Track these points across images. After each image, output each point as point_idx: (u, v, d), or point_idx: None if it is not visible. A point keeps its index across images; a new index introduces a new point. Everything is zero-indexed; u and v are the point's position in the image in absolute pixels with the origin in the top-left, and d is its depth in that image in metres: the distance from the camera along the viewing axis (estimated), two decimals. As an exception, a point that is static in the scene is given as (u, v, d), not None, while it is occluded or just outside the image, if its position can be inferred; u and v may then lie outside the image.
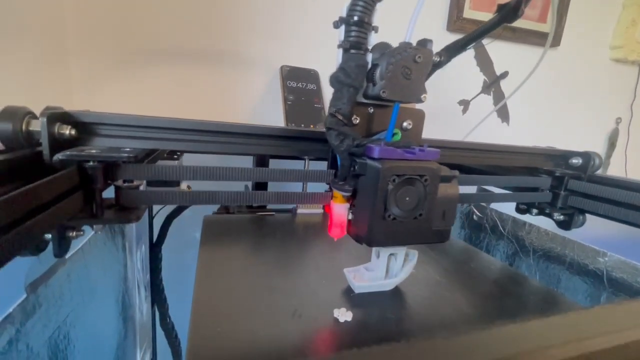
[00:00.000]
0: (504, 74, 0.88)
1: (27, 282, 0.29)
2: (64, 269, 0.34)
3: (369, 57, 0.26)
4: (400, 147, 0.26)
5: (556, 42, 0.89)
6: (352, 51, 0.25)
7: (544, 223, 0.49)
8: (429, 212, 0.27)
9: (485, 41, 0.84)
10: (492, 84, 0.88)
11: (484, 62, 0.87)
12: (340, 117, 0.25)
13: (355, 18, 0.24)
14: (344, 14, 0.25)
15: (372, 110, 0.29)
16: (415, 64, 0.26)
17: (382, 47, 0.27)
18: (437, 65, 0.29)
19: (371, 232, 0.26)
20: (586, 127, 1.00)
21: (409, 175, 0.25)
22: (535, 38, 0.86)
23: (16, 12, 0.48)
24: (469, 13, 0.81)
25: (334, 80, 0.26)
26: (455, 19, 0.80)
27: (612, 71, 0.98)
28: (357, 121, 0.28)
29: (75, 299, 0.37)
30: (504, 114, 0.91)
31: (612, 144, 1.02)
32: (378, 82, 0.26)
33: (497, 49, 0.85)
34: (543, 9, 0.86)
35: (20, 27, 0.49)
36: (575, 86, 0.96)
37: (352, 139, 0.26)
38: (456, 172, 0.28)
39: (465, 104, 0.88)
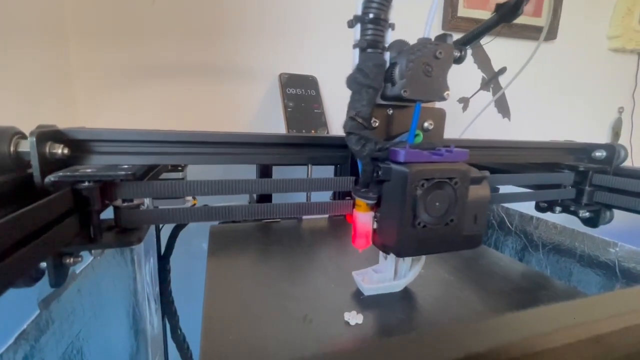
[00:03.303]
0: (502, 70, 0.88)
1: (39, 298, 0.29)
2: (74, 285, 0.35)
3: (387, 56, 0.25)
4: (426, 149, 0.24)
5: (552, 35, 0.89)
6: (369, 50, 0.24)
7: (552, 216, 0.48)
8: (460, 216, 0.25)
9: (484, 40, 0.84)
10: (491, 80, 0.88)
11: (482, 59, 0.87)
12: (361, 121, 0.24)
13: (371, 15, 0.23)
14: (358, 11, 0.24)
15: (391, 111, 0.27)
16: (436, 60, 0.24)
17: (399, 45, 0.25)
18: (457, 61, 0.27)
19: (400, 242, 0.24)
20: (589, 118, 1.00)
21: (438, 178, 0.23)
22: (531, 32, 0.86)
23: (18, 31, 0.49)
24: (463, 12, 0.81)
25: (352, 81, 0.24)
26: (450, 18, 0.81)
27: (612, 61, 0.97)
28: (377, 124, 0.27)
29: (87, 313, 0.37)
30: (504, 109, 0.91)
31: (616, 134, 1.01)
32: (398, 81, 0.24)
33: (494, 45, 0.86)
34: (537, 3, 0.86)
35: (22, 45, 0.50)
36: (575, 78, 0.96)
37: (374, 143, 0.24)
38: (486, 173, 0.26)
39: (465, 101, 0.88)
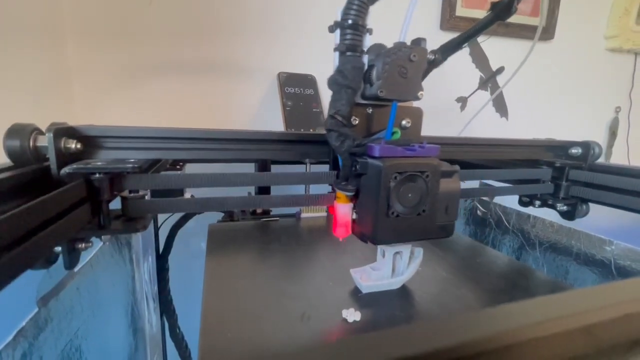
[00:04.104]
0: (500, 70, 0.88)
1: (38, 296, 0.29)
2: (73, 283, 0.35)
3: (365, 59, 0.27)
4: (400, 145, 0.26)
5: (550, 35, 0.89)
6: (348, 54, 0.26)
7: (548, 215, 0.49)
8: (432, 207, 0.27)
9: (480, 39, 0.84)
10: (489, 79, 0.88)
11: (480, 58, 0.87)
12: (340, 119, 0.26)
13: (350, 21, 0.25)
14: (338, 18, 0.26)
15: (370, 110, 0.29)
16: (411, 62, 0.26)
17: (378, 48, 0.27)
18: (433, 64, 0.29)
19: (376, 230, 0.26)
20: (586, 117, 1.00)
21: (410, 172, 0.25)
22: (529, 32, 0.87)
23: (18, 31, 0.49)
24: (461, 11, 0.81)
25: (332, 82, 0.26)
26: (448, 18, 0.81)
27: (609, 61, 0.98)
28: (357, 122, 0.29)
29: (85, 312, 0.37)
30: (502, 108, 0.91)
31: (613, 133, 1.02)
32: (375, 82, 0.26)
33: (492, 45, 0.86)
34: (535, 2, 0.87)
35: (22, 46, 0.50)
36: (572, 78, 0.96)
37: (352, 140, 0.26)
38: (457, 167, 0.28)
39: (463, 100, 0.88)
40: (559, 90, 0.96)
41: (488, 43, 0.85)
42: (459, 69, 0.86)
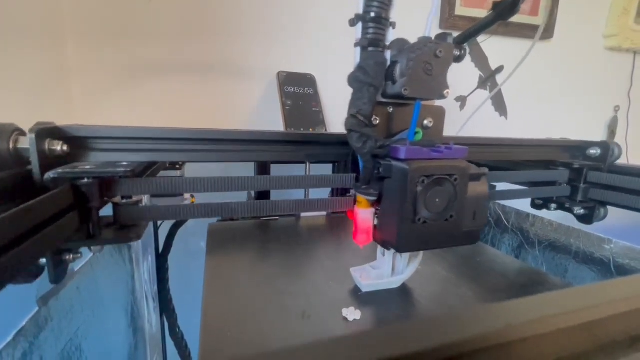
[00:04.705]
0: (499, 69, 0.88)
1: (38, 295, 0.29)
2: (73, 282, 0.35)
3: (388, 55, 0.25)
4: (426, 147, 0.25)
5: (549, 34, 0.89)
6: (371, 49, 0.24)
7: (547, 214, 0.49)
8: (460, 212, 0.25)
9: (480, 39, 0.84)
10: (488, 79, 0.88)
11: (479, 57, 0.87)
12: (362, 118, 0.24)
13: (373, 14, 0.23)
14: (360, 10, 0.24)
15: (391, 109, 0.27)
16: (437, 58, 0.24)
17: (400, 44, 0.25)
18: (457, 60, 0.28)
19: (400, 238, 0.24)
20: (586, 116, 1.00)
21: (438, 175, 0.24)
22: (528, 31, 0.87)
23: (18, 33, 0.49)
24: (460, 10, 0.81)
25: (353, 80, 0.24)
26: (447, 17, 0.81)
27: (608, 60, 0.98)
28: (377, 122, 0.27)
29: (85, 311, 0.37)
30: (501, 107, 0.91)
31: (612, 132, 1.02)
32: (398, 79, 0.25)
33: (491, 44, 0.86)
34: (534, 2, 0.87)
35: (22, 46, 0.50)
36: (571, 77, 0.96)
37: (375, 141, 0.24)
38: (485, 170, 0.26)
39: (462, 100, 0.88)
40: (559, 90, 0.96)
41: (487, 42, 0.85)
42: (458, 68, 0.86)
